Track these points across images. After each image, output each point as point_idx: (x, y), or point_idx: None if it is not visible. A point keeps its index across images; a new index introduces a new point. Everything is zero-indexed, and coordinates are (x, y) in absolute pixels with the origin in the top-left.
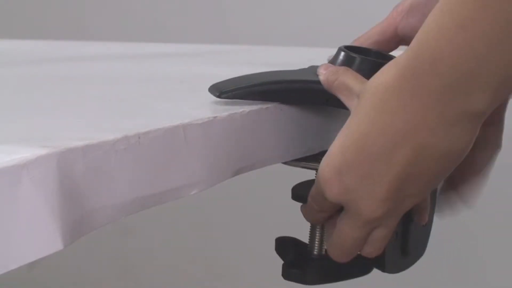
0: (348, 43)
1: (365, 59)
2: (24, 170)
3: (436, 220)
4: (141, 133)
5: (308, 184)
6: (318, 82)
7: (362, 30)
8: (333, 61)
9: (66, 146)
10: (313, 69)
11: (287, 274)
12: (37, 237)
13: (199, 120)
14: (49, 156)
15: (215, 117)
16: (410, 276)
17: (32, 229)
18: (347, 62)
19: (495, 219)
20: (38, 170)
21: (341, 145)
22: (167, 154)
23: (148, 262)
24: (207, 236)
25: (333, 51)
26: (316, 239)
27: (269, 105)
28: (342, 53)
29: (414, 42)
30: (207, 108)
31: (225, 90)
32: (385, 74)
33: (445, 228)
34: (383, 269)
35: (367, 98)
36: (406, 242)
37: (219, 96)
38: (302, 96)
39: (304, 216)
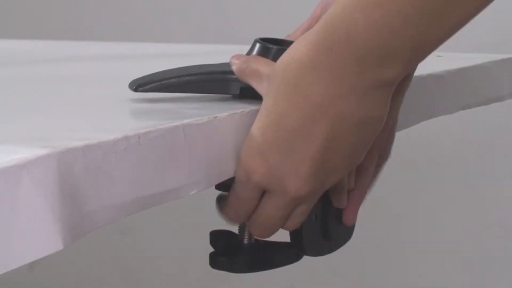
0: None
1: (281, 49)
2: (24, 170)
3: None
4: (141, 133)
5: None
6: (231, 72)
7: None
8: (249, 52)
9: (66, 146)
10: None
11: (214, 262)
12: (37, 237)
13: (199, 120)
14: (49, 156)
15: (215, 117)
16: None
17: (32, 229)
18: (263, 53)
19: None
20: (38, 170)
21: (259, 126)
22: (167, 154)
23: (148, 262)
24: (207, 236)
25: None
26: (246, 229)
27: None
28: (258, 45)
29: (327, 17)
30: (207, 108)
31: (140, 84)
32: (295, 51)
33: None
34: (303, 252)
35: (278, 77)
36: (326, 225)
37: (135, 90)
38: (215, 86)
39: (226, 216)
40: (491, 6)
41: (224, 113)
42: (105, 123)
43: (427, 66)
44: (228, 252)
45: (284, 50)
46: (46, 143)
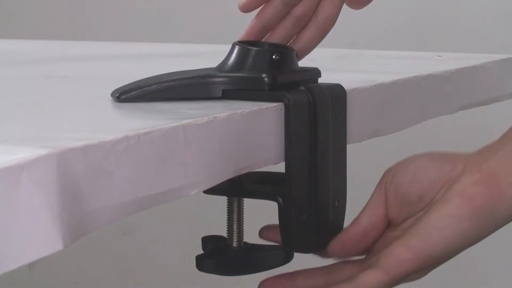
0: (347, 42)
1: (259, 50)
2: (24, 170)
3: None
4: (141, 133)
5: None
6: (211, 76)
7: (360, 29)
8: (228, 56)
9: (66, 146)
10: (217, 67)
11: (201, 265)
12: (37, 237)
13: (199, 120)
14: (49, 156)
15: (215, 117)
16: None
17: (32, 229)
18: (243, 55)
19: None
20: (38, 170)
21: None
22: (167, 154)
23: (148, 262)
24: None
25: (333, 51)
26: (234, 231)
27: (269, 105)
28: (237, 47)
29: None
30: (207, 108)
31: (122, 92)
32: None
33: None
34: (293, 249)
35: None
36: (315, 221)
37: (118, 98)
38: (197, 90)
39: None
40: (491, 6)
41: (224, 113)
42: (105, 123)
43: (427, 66)
44: (215, 254)
45: (263, 51)
46: (46, 143)
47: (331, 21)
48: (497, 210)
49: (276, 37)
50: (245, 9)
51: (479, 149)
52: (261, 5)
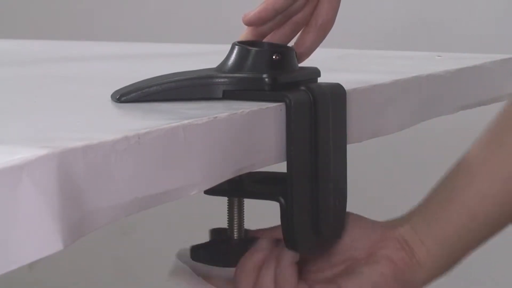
0: (347, 42)
1: (259, 50)
2: (24, 170)
3: None
4: (141, 133)
5: None
6: (212, 76)
7: (360, 29)
8: (228, 56)
9: (66, 146)
10: (217, 68)
11: (195, 254)
12: (37, 237)
13: (199, 120)
14: (49, 156)
15: (215, 117)
16: None
17: (32, 229)
18: (243, 56)
19: None
20: (38, 170)
21: None
22: (167, 155)
23: (148, 262)
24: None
25: (333, 51)
26: (235, 232)
27: (270, 105)
28: (237, 47)
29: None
30: (207, 108)
31: (123, 94)
32: None
33: None
34: (296, 248)
35: None
36: (316, 221)
37: (118, 100)
38: (197, 91)
39: None
40: (491, 6)
41: (224, 113)
42: (105, 123)
43: (427, 66)
44: (213, 246)
45: (262, 51)
46: (46, 143)
47: (332, 23)
48: (416, 276)
49: (274, 41)
50: (250, 24)
51: (404, 215)
52: (265, 23)
